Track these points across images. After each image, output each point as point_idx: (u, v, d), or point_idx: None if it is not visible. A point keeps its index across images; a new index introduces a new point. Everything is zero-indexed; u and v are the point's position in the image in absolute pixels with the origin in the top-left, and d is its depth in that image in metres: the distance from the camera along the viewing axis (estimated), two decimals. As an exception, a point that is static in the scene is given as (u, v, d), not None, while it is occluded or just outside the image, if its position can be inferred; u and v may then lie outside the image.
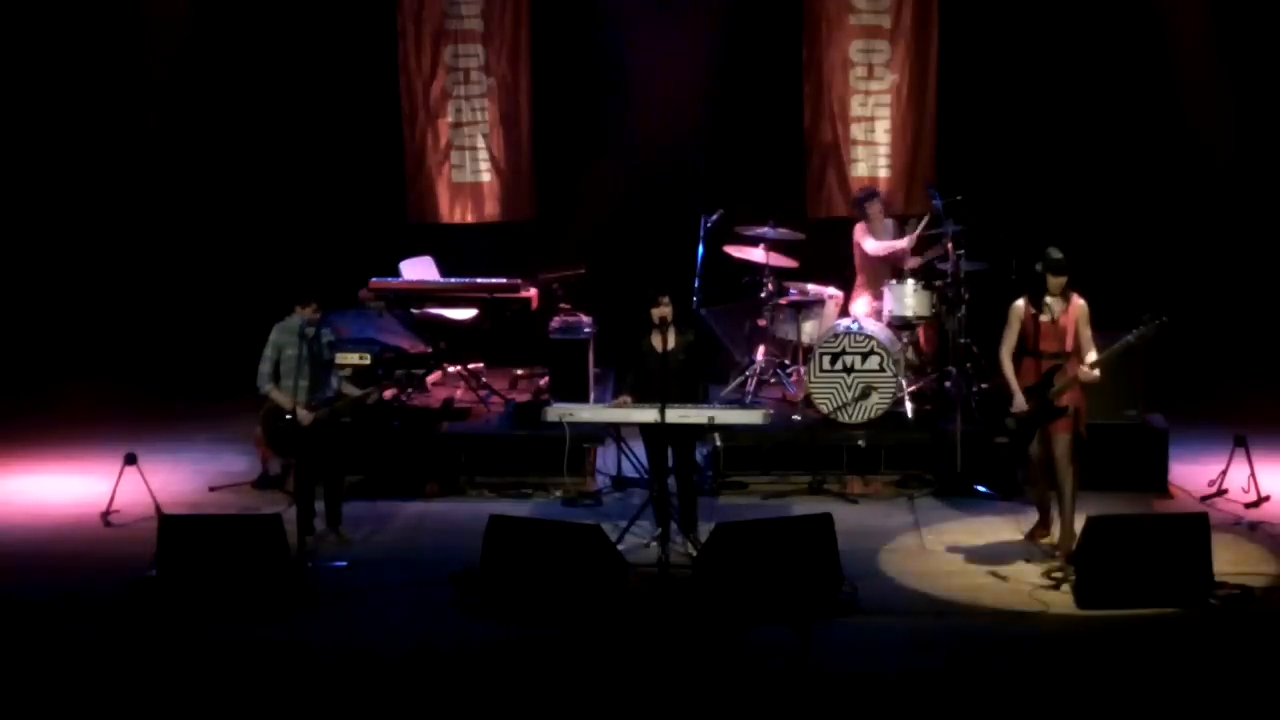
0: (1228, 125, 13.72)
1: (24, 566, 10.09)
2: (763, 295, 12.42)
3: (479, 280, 12.68)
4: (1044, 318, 9.88)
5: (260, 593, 9.28)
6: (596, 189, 13.84)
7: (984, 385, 11.99)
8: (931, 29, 13.89)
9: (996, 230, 11.73)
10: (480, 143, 14.24)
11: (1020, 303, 9.96)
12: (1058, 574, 9.63)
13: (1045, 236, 10.26)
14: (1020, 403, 9.89)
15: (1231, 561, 9.65)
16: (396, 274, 12.97)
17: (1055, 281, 9.81)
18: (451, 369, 13.05)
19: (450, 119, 14.22)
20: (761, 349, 12.62)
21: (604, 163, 13.90)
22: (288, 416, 10.11)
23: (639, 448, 10.43)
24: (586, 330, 12.38)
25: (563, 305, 12.70)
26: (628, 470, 11.38)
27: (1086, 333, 9.91)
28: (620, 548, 9.75)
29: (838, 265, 12.89)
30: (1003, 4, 13.85)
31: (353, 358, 11.41)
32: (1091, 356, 9.81)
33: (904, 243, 12.38)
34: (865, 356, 11.72)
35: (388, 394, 10.88)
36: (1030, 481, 10.53)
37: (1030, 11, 13.80)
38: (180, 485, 11.56)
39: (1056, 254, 9.83)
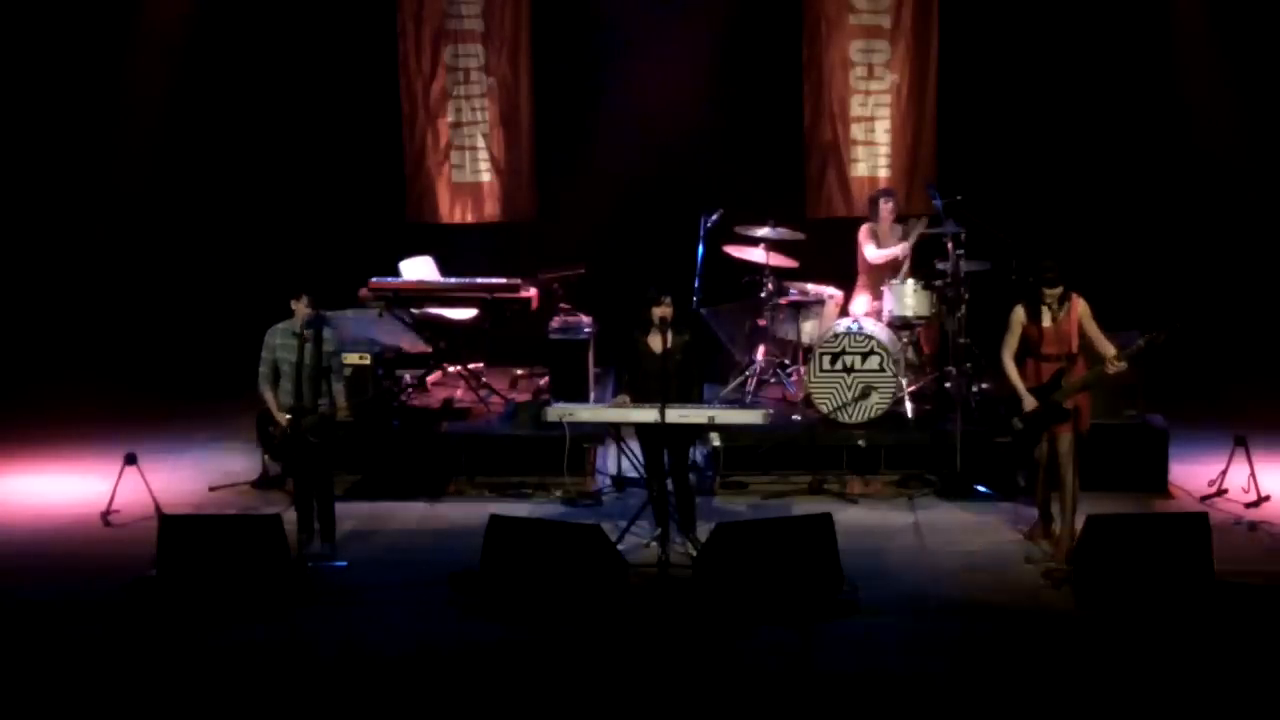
0: (1229, 124, 13.72)
1: (24, 566, 10.09)
2: (763, 295, 12.42)
3: (479, 280, 12.67)
4: (1045, 323, 9.89)
5: (260, 593, 9.28)
6: (596, 189, 13.84)
7: (984, 385, 12.00)
8: (931, 29, 13.89)
9: (996, 230, 11.73)
10: (480, 143, 14.25)
11: (1020, 308, 9.97)
12: (1058, 574, 9.64)
13: (1046, 236, 10.26)
14: (1030, 402, 9.89)
15: (1231, 561, 9.64)
16: (396, 274, 12.97)
17: (1050, 293, 9.84)
18: (451, 369, 13.06)
19: (450, 119, 14.23)
20: (761, 349, 12.62)
21: (604, 163, 13.89)
22: (281, 422, 10.11)
23: (638, 447, 10.43)
24: (586, 330, 12.39)
25: (563, 305, 12.71)
26: (628, 470, 11.38)
27: (1094, 329, 9.92)
28: (620, 548, 9.75)
29: (838, 265, 12.89)
30: (1003, 4, 13.84)
31: (353, 358, 11.42)
32: (1111, 350, 9.81)
33: (898, 250, 12.40)
34: (865, 356, 11.73)
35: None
36: (1031, 481, 10.54)
37: (1031, 11, 13.79)
38: (180, 485, 11.56)
39: (1049, 266, 9.85)
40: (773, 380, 12.67)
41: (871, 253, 12.58)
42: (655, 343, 10.03)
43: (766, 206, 12.66)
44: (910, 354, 12.32)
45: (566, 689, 8.27)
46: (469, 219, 14.32)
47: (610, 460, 11.66)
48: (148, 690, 8.27)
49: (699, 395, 10.17)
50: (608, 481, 11.61)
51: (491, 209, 14.34)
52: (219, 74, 14.17)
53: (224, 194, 14.42)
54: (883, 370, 11.72)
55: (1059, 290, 9.84)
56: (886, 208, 12.63)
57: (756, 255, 12.51)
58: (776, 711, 8.01)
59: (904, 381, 11.92)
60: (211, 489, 11.56)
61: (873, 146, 14.06)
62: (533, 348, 13.04)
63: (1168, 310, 9.84)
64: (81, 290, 14.31)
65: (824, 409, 11.81)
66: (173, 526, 9.59)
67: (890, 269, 12.48)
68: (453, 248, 13.79)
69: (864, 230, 12.70)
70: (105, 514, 10.87)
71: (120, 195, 14.27)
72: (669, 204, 13.60)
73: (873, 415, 11.76)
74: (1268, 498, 10.93)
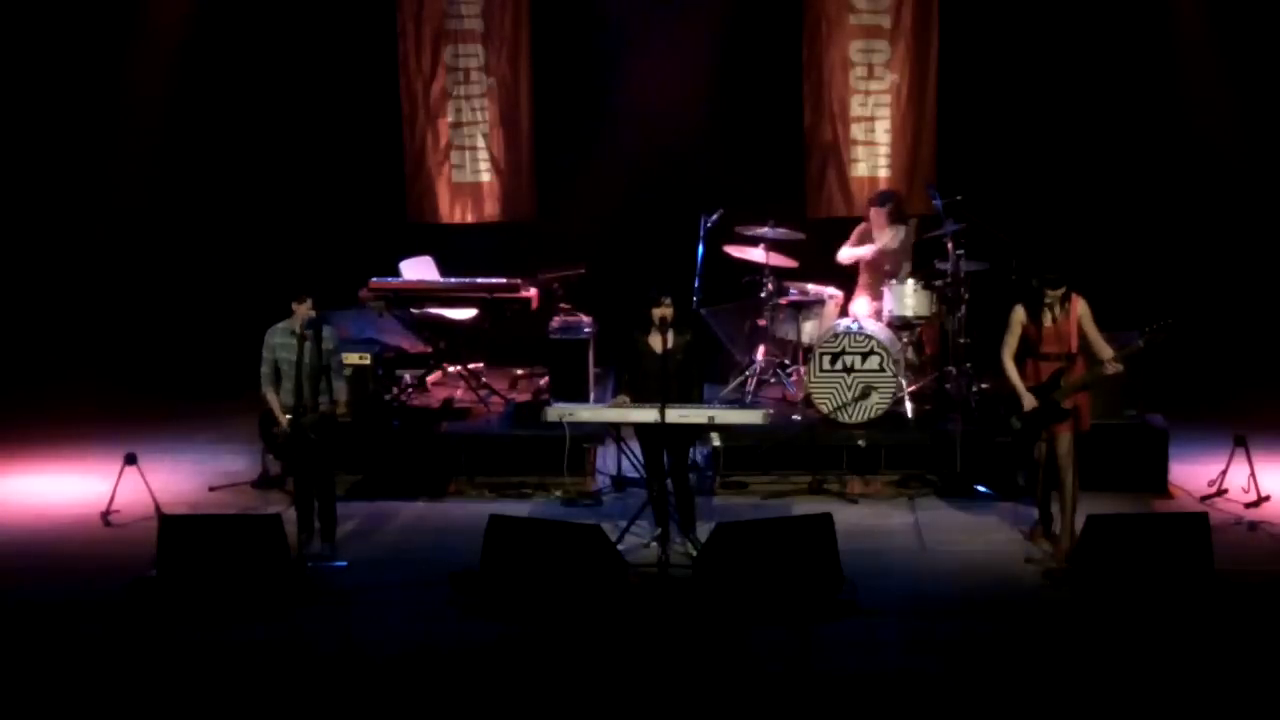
0: (1229, 124, 13.71)
1: (24, 567, 10.10)
2: (763, 295, 12.42)
3: (479, 280, 12.67)
4: (1045, 323, 9.90)
5: (260, 593, 9.29)
6: (596, 189, 13.84)
7: (984, 385, 11.99)
8: (931, 29, 13.89)
9: (997, 230, 11.73)
10: (480, 143, 14.25)
11: (1020, 308, 9.97)
12: (1058, 574, 9.64)
13: (1046, 236, 10.26)
14: (1030, 402, 9.90)
15: (1232, 561, 9.65)
16: (396, 274, 12.97)
17: (1053, 294, 9.85)
18: (451, 369, 13.06)
19: (450, 119, 14.23)
20: (761, 349, 12.62)
21: (604, 163, 13.89)
22: (281, 425, 10.11)
23: (638, 447, 10.43)
24: (586, 330, 12.39)
25: (563, 305, 12.71)
26: (628, 470, 11.38)
27: (1093, 330, 9.93)
28: (620, 548, 9.76)
29: (838, 265, 12.88)
30: (1003, 4, 13.84)
31: (353, 358, 11.42)
32: (1109, 351, 9.82)
33: (865, 252, 12.42)
34: (865, 356, 11.72)
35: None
36: (1031, 481, 10.54)
37: (1031, 11, 13.79)
38: (180, 485, 11.56)
39: (1053, 266, 9.85)
40: (773, 380, 12.67)
41: (843, 253, 12.60)
42: (655, 343, 10.03)
43: (766, 206, 12.65)
44: (910, 354, 12.32)
45: (566, 689, 8.27)
46: (469, 219, 14.32)
47: (610, 460, 11.66)
48: (148, 690, 8.27)
49: (699, 395, 10.17)
50: (608, 481, 11.61)
51: (491, 209, 14.34)
52: (219, 74, 14.16)
53: (224, 194, 14.41)
54: (883, 370, 11.72)
55: (1061, 291, 9.85)
56: (873, 211, 12.59)
57: (756, 255, 12.51)
58: (776, 711, 8.01)
59: (904, 381, 11.91)
60: (211, 489, 11.55)
61: (873, 146, 14.05)
62: (533, 348, 13.04)
63: (1168, 310, 9.82)
64: (82, 290, 14.31)
65: (824, 409, 11.81)
66: (173, 526, 9.59)
67: (892, 268, 12.47)
68: (453, 248, 13.78)
69: (857, 231, 12.69)
70: (105, 514, 10.87)
71: (120, 195, 14.26)
72: (669, 204, 13.60)
73: (873, 415, 11.76)
74: (1268, 498, 10.93)
